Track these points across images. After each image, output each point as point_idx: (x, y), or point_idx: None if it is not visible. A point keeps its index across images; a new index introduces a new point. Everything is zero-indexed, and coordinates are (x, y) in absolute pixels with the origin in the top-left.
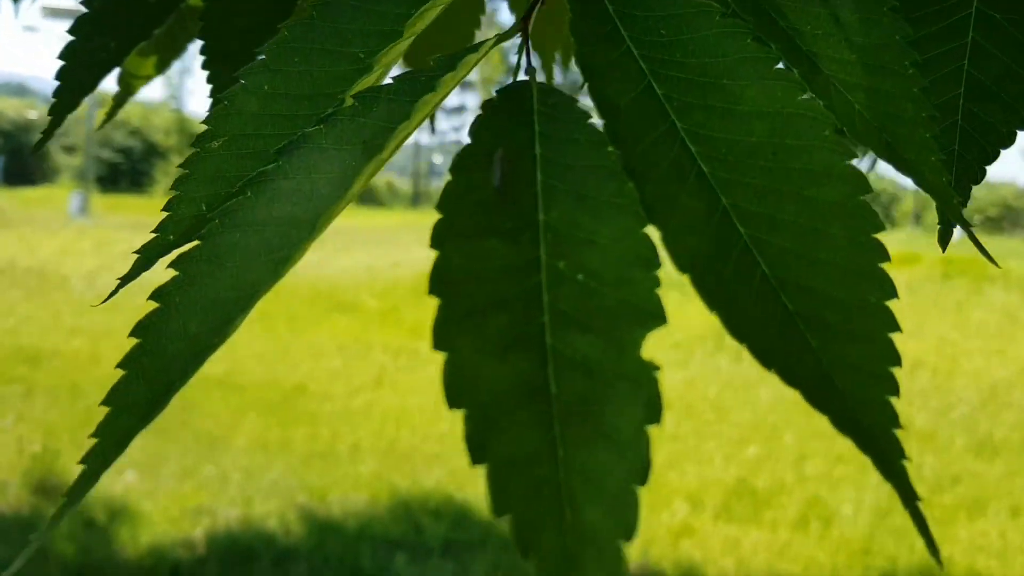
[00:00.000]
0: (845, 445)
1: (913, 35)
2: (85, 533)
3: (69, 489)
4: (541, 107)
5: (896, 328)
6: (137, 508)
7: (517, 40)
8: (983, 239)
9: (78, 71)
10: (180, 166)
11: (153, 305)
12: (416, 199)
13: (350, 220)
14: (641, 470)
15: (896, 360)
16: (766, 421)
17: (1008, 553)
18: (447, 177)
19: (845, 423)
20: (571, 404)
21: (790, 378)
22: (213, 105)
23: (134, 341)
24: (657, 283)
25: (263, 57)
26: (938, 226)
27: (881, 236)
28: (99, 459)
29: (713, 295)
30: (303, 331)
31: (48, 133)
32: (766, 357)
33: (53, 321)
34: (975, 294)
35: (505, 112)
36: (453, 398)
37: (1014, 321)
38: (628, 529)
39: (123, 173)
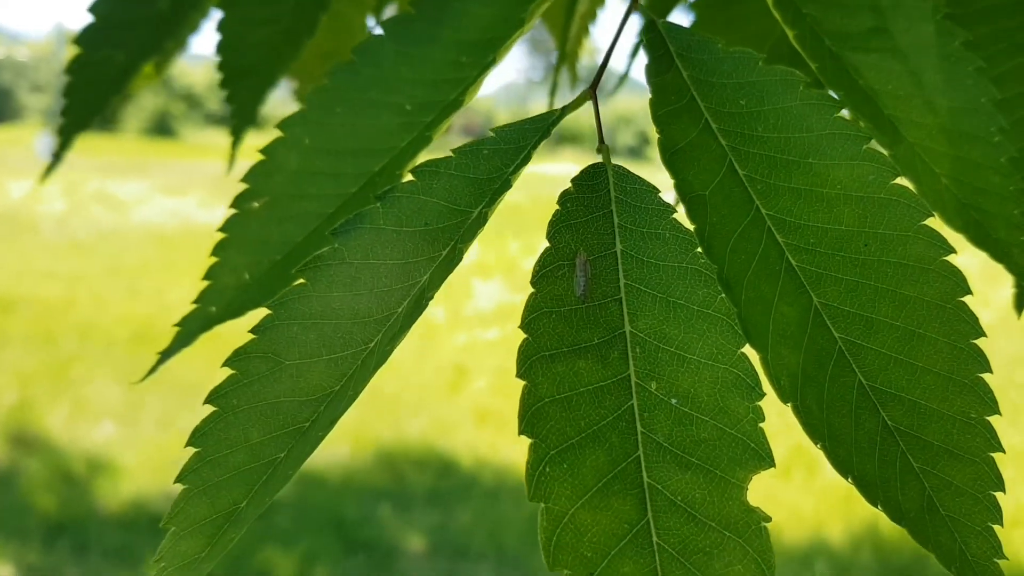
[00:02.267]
0: None
1: (998, 96)
2: (64, 487)
3: None
4: (619, 194)
5: (999, 447)
6: (117, 460)
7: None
8: None
9: (85, 89)
10: (219, 229)
11: (209, 409)
12: None
13: None
14: None
15: (1000, 484)
16: None
17: None
18: (530, 292)
19: (952, 557)
20: (674, 555)
21: (896, 513)
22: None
23: (195, 445)
24: (761, 416)
25: (303, 107)
26: (1013, 289)
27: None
28: None
29: (814, 420)
30: None
31: (57, 156)
32: (871, 490)
33: (25, 266)
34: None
35: (582, 204)
36: (555, 558)
37: None
38: None
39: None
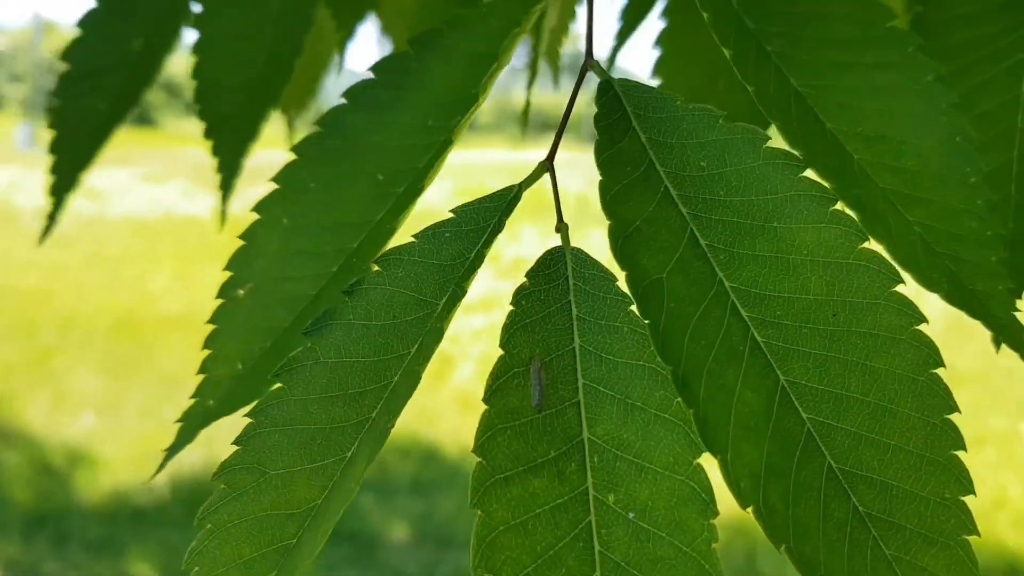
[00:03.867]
0: None
1: (974, 135)
2: (44, 479)
3: None
4: (577, 281)
5: (975, 530)
6: (97, 452)
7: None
8: None
9: (71, 142)
10: (209, 321)
11: (204, 526)
12: None
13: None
14: None
15: (974, 568)
16: None
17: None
18: (483, 410)
19: None
20: None
21: None
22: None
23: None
24: (715, 536)
25: (277, 187)
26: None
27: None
28: None
29: (777, 519)
30: None
31: (52, 217)
32: None
33: (5, 257)
34: None
35: (539, 299)
36: None
37: None
38: None
39: None
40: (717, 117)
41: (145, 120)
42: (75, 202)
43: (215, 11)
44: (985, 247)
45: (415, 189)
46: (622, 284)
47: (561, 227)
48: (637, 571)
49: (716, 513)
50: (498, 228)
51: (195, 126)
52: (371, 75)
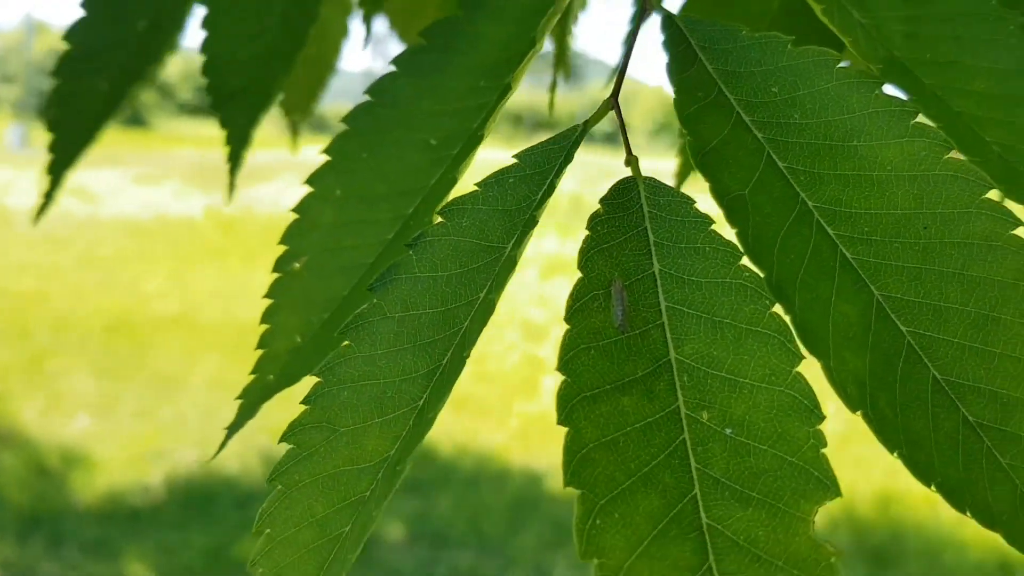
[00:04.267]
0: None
1: None
2: (39, 480)
3: None
4: (651, 208)
5: None
6: (92, 453)
7: None
8: None
9: (71, 122)
10: (266, 295)
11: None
12: None
13: (303, 150)
14: None
15: None
16: None
17: None
18: (567, 323)
19: None
20: None
21: (987, 518)
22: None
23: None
24: (823, 441)
25: (328, 158)
26: None
27: None
28: None
29: (888, 426)
30: (259, 267)
31: (48, 196)
32: (957, 496)
33: None
34: None
35: (614, 225)
36: None
37: None
38: None
39: None
40: (785, 43)
41: (138, 121)
42: (68, 204)
43: None
44: None
45: (469, 150)
46: (700, 206)
47: (631, 159)
48: (739, 485)
49: (822, 418)
50: (566, 162)
51: (188, 127)
52: (421, 39)
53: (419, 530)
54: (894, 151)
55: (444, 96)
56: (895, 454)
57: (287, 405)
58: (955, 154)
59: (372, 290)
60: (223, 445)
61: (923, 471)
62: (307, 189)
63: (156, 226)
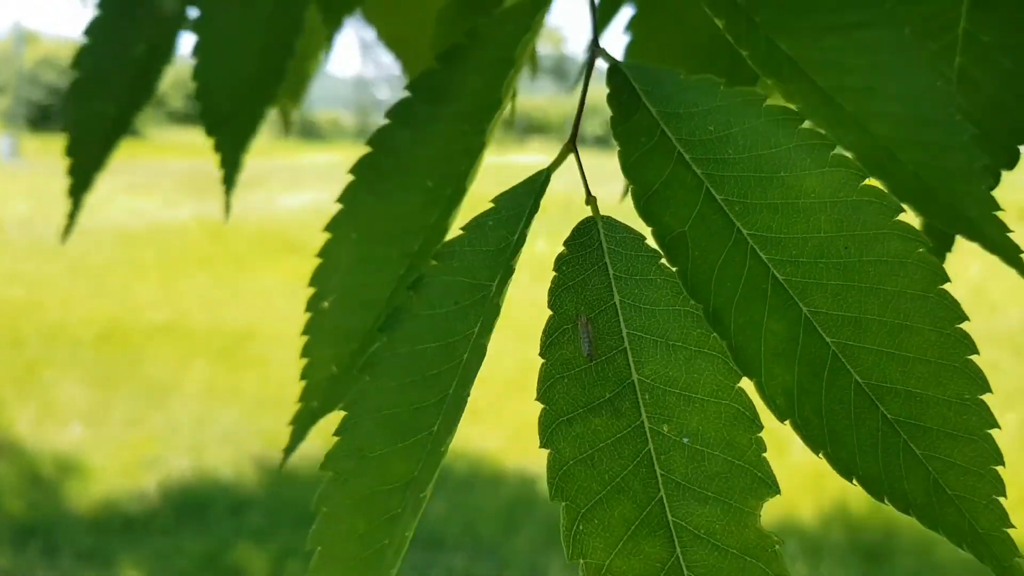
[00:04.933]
0: None
1: (953, 79)
2: (33, 489)
3: None
4: (610, 245)
5: (995, 424)
6: (86, 461)
7: None
8: None
9: (85, 145)
10: (302, 333)
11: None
12: (361, 134)
13: (293, 157)
14: None
15: (1000, 458)
16: None
17: None
18: (541, 361)
19: (963, 534)
20: None
21: (903, 503)
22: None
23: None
24: (763, 447)
25: (342, 207)
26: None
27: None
28: None
29: (814, 430)
30: (249, 273)
31: (72, 217)
32: (875, 485)
33: None
34: None
35: (576, 264)
36: None
37: None
38: None
39: (54, 113)
40: (718, 84)
41: (129, 130)
42: (59, 214)
43: (211, 15)
44: (974, 178)
45: (460, 190)
46: (650, 242)
47: (590, 199)
48: (697, 487)
49: (761, 427)
50: (534, 209)
51: (179, 136)
52: (407, 92)
53: (415, 533)
54: (816, 180)
55: (435, 143)
56: (820, 454)
57: (279, 414)
58: (869, 181)
59: (381, 331)
60: (283, 463)
61: (845, 466)
62: (327, 235)
63: (147, 234)
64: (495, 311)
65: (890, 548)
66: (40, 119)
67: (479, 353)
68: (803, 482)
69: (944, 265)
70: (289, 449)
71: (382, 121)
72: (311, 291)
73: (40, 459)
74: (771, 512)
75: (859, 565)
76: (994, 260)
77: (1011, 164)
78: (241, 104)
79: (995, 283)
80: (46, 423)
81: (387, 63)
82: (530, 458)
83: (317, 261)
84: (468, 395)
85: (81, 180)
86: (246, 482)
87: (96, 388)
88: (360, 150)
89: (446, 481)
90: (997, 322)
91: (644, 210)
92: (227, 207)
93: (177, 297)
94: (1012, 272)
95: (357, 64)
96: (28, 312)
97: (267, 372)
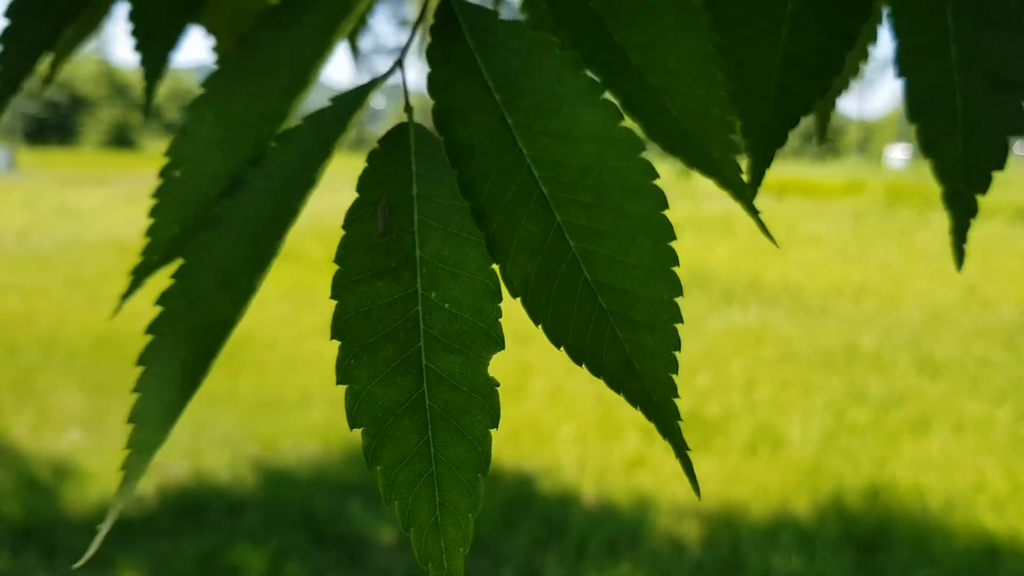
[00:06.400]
0: (791, 372)
1: (723, 42)
2: (31, 493)
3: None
4: (418, 147)
5: (680, 320)
6: (83, 466)
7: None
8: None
9: (15, 55)
10: (152, 196)
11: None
12: (357, 142)
13: None
14: (485, 463)
15: (677, 345)
16: (715, 351)
17: (950, 468)
18: (344, 230)
19: (639, 398)
20: (440, 413)
21: (596, 368)
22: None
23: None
24: (499, 313)
25: (204, 92)
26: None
27: (823, 170)
28: None
29: (540, 307)
30: None
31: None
32: (579, 353)
33: None
34: (919, 221)
35: (387, 160)
36: (353, 420)
37: None
38: (475, 505)
39: (50, 127)
40: (524, 27)
41: (124, 142)
42: (54, 225)
43: None
44: (723, 127)
45: (306, 84)
46: None
47: (408, 108)
48: (449, 340)
49: (501, 299)
50: (357, 106)
51: None
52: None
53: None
54: (588, 117)
55: (292, 44)
56: (539, 325)
57: (275, 418)
58: (626, 123)
59: (223, 196)
60: (124, 298)
61: (559, 336)
62: (189, 114)
63: (141, 245)
64: (313, 185)
65: (885, 540)
66: (37, 132)
67: (294, 217)
68: (798, 476)
69: (943, 265)
70: (126, 295)
71: (378, 129)
72: (168, 162)
73: (38, 464)
74: (766, 507)
75: (853, 557)
76: (989, 257)
77: (824, 92)
78: (174, 12)
79: (989, 280)
80: (44, 429)
81: (381, 72)
82: (527, 457)
83: (314, 268)
84: (279, 250)
85: (8, 85)
86: (243, 484)
87: (93, 394)
88: (357, 158)
89: None
90: (990, 318)
91: (441, 122)
92: (146, 111)
93: None
94: (1006, 269)
95: (351, 73)
96: (23, 323)
97: (264, 377)
